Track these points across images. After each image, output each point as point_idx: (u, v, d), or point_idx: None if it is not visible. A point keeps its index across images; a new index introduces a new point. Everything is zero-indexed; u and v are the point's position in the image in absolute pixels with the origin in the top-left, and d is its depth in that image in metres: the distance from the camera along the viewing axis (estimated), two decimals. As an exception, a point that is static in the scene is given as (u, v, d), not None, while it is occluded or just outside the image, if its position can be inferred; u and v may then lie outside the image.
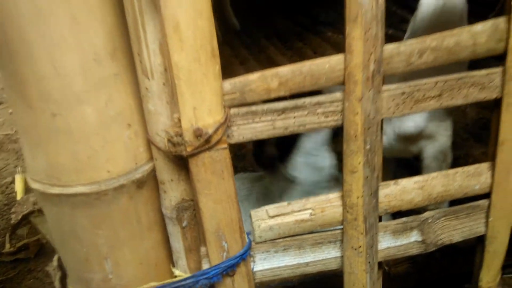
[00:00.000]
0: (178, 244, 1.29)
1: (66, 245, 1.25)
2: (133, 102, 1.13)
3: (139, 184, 1.17)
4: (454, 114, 2.20)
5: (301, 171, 1.61)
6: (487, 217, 1.54)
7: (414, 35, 1.99)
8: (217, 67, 1.05)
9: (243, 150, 2.98)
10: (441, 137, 1.84)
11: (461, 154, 2.54)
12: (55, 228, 1.25)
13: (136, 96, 1.13)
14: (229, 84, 1.09)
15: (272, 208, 1.27)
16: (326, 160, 1.62)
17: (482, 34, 1.30)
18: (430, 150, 1.86)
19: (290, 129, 1.20)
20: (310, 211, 1.30)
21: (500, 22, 1.32)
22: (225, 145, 1.11)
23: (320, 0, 4.82)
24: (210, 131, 1.07)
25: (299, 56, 3.80)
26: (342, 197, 1.31)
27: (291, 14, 4.95)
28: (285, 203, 1.29)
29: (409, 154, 1.93)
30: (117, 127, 1.09)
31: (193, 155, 1.09)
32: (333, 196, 1.32)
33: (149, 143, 1.16)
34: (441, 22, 1.90)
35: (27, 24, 0.96)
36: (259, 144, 1.76)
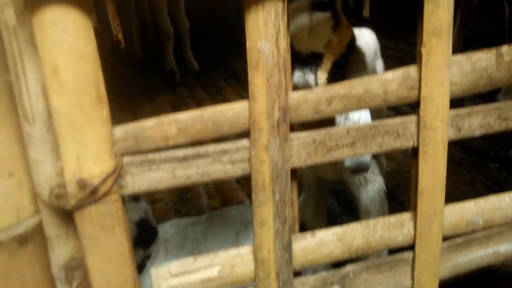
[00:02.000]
0: (71, 307, 1.16)
1: None
2: (18, 148, 1.04)
3: (22, 240, 1.05)
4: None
5: None
6: (413, 270, 1.49)
7: None
8: (105, 112, 0.98)
9: (188, 194, 2.88)
10: (373, 181, 1.81)
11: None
12: None
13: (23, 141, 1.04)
14: (120, 130, 1.02)
15: (175, 265, 1.17)
16: None
17: (392, 82, 1.30)
18: (364, 194, 1.83)
19: (193, 179, 1.13)
20: (218, 267, 1.20)
21: (411, 70, 1.32)
22: (116, 197, 1.03)
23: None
24: (96, 182, 0.98)
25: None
26: (254, 252, 1.23)
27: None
28: (191, 259, 1.19)
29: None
30: (-7, 176, 0.99)
31: (77, 208, 0.99)
32: (244, 250, 1.24)
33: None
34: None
35: None
36: None
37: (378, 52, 2.12)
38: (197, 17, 5.66)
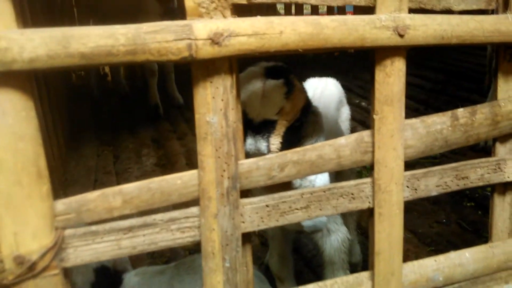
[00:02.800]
0: None
1: None
2: (-41, 221, 1.03)
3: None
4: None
5: None
6: (372, 329, 1.48)
7: None
8: (45, 187, 0.98)
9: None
10: (336, 231, 1.81)
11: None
12: None
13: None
14: (62, 204, 1.02)
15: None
16: None
17: (345, 147, 1.31)
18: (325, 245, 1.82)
19: (140, 248, 1.12)
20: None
21: (364, 135, 1.34)
22: (56, 271, 1.01)
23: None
24: (35, 257, 0.97)
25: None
26: (204, 320, 1.22)
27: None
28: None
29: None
30: None
31: (15, 284, 0.98)
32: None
33: (-23, 265, 1.05)
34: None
35: None
36: None
37: (344, 100, 2.16)
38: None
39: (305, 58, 6.53)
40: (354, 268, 2.18)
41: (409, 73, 1.33)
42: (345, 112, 2.11)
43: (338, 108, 2.05)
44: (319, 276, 2.18)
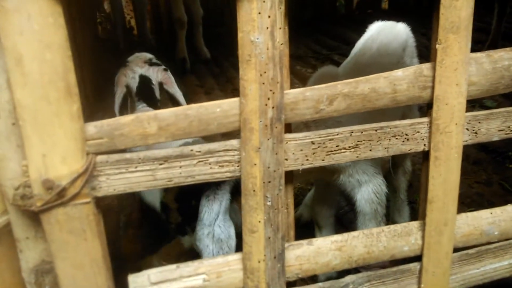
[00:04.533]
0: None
1: None
2: (-16, 143, 0.95)
3: (-12, 240, 0.98)
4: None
5: (205, 244, 1.43)
6: (419, 283, 1.38)
7: (345, 63, 1.91)
8: (75, 106, 0.88)
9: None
10: (367, 182, 1.70)
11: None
12: None
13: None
14: (94, 127, 0.93)
15: (155, 273, 1.08)
16: (226, 231, 1.44)
17: (402, 80, 1.17)
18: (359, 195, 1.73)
19: (176, 181, 1.03)
20: (203, 276, 1.11)
21: (424, 68, 1.19)
22: (87, 200, 0.94)
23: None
24: (64, 183, 0.89)
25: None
26: (243, 260, 1.13)
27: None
28: (173, 266, 1.10)
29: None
30: (-45, 173, 0.91)
31: (44, 211, 0.91)
32: (232, 259, 1.14)
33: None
34: (374, 48, 1.83)
35: None
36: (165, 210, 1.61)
37: (412, 49, 1.94)
38: (212, 5, 5.53)
39: (337, 15, 6.25)
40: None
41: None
42: (415, 64, 1.92)
43: (405, 53, 1.86)
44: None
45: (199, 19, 4.72)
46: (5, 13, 0.79)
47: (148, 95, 1.95)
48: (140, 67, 2.02)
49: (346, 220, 2.37)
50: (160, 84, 2.00)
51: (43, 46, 0.81)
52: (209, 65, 4.82)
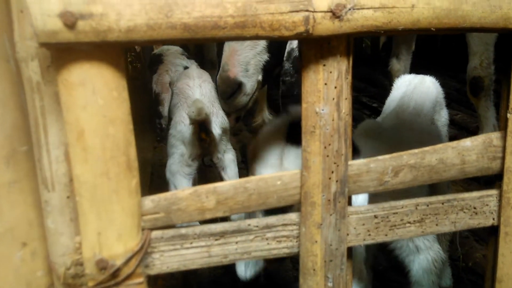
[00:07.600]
0: None
1: None
2: (35, 215, 0.91)
3: (33, 319, 0.92)
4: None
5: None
6: None
7: (385, 117, 1.84)
8: (134, 181, 0.84)
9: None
10: (426, 249, 1.57)
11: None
12: None
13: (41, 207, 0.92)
14: (151, 201, 0.88)
15: None
16: None
17: (471, 151, 1.10)
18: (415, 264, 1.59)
19: (231, 258, 0.96)
20: None
21: (493, 138, 1.12)
22: (140, 280, 0.87)
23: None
24: (119, 262, 0.84)
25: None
26: None
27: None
28: None
29: None
30: (4, 246, 0.87)
31: (94, 291, 0.85)
32: None
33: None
34: (411, 107, 1.77)
35: None
36: None
37: (442, 102, 1.91)
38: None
39: (363, 56, 6.18)
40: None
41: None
42: (444, 116, 1.87)
43: (435, 110, 1.82)
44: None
45: None
46: (69, 88, 0.77)
47: None
48: (181, 59, 2.06)
49: (387, 277, 2.22)
50: None
51: (107, 121, 0.78)
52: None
